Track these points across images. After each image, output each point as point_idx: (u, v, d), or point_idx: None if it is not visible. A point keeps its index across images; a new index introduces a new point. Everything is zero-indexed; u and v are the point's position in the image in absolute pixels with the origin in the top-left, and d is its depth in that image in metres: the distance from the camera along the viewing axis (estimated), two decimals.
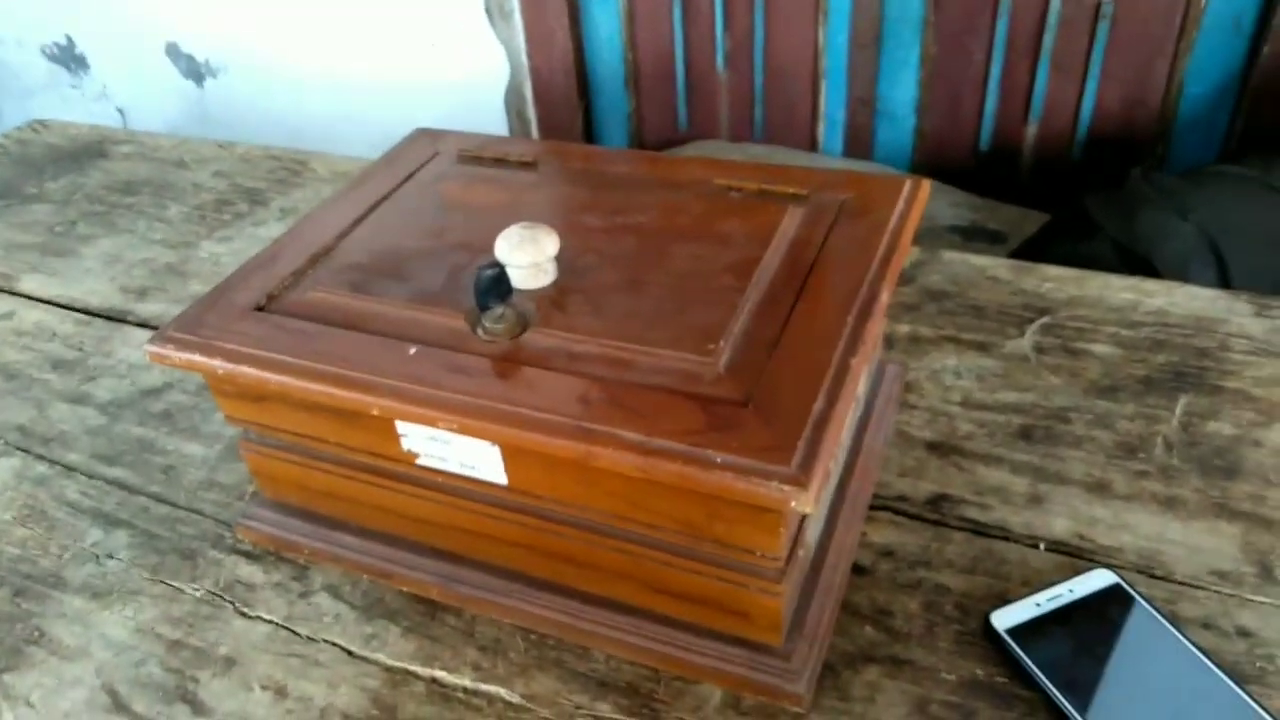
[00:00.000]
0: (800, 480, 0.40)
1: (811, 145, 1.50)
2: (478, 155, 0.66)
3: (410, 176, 0.65)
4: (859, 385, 0.47)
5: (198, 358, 0.51)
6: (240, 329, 0.52)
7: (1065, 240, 0.95)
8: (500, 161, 0.66)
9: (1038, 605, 0.53)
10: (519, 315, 0.51)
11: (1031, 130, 1.37)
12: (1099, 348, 0.71)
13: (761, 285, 0.51)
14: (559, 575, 0.54)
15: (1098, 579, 0.54)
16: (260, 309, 0.54)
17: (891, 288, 0.51)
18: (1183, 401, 0.66)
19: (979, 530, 0.59)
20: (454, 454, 0.50)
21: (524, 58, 1.57)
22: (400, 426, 0.50)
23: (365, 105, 1.75)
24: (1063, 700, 0.48)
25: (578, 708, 0.51)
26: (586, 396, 0.45)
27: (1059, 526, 0.58)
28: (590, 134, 1.64)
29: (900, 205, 0.57)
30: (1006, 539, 0.58)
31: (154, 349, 0.52)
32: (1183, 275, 0.92)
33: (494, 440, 0.47)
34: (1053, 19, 1.27)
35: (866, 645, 0.53)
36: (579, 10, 1.52)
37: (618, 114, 1.62)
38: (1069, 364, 0.70)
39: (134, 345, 0.80)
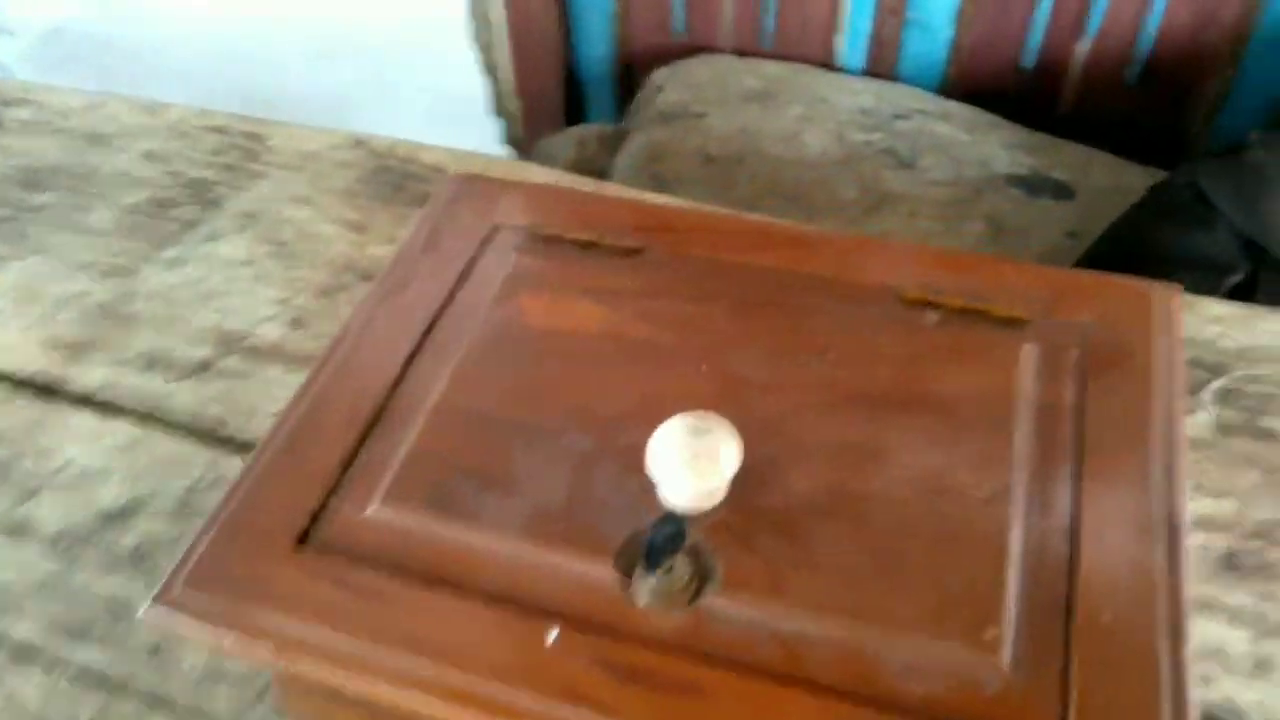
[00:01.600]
0: None
1: (827, 59, 1.31)
2: (558, 235, 0.49)
3: (467, 272, 0.48)
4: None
5: (231, 641, 0.35)
6: (285, 587, 0.36)
7: (1171, 225, 0.81)
8: (591, 246, 0.48)
9: None
10: (695, 562, 0.36)
11: (1083, 47, 1.21)
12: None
13: (1022, 501, 0.37)
14: None
15: None
16: (304, 539, 0.38)
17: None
18: None
19: (1208, 716, 0.48)
20: None
21: None
22: None
23: (302, 6, 1.47)
24: None
25: None
26: None
27: None
28: (567, 38, 1.41)
29: (1164, 340, 0.42)
30: None
31: (158, 618, 0.36)
32: None
33: None
34: None
35: None
36: None
37: (600, 14, 1.39)
38: (1264, 452, 0.58)
39: (79, 436, 0.62)
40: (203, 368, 0.66)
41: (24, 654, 0.52)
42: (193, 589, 0.36)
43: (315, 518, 0.38)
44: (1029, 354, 0.42)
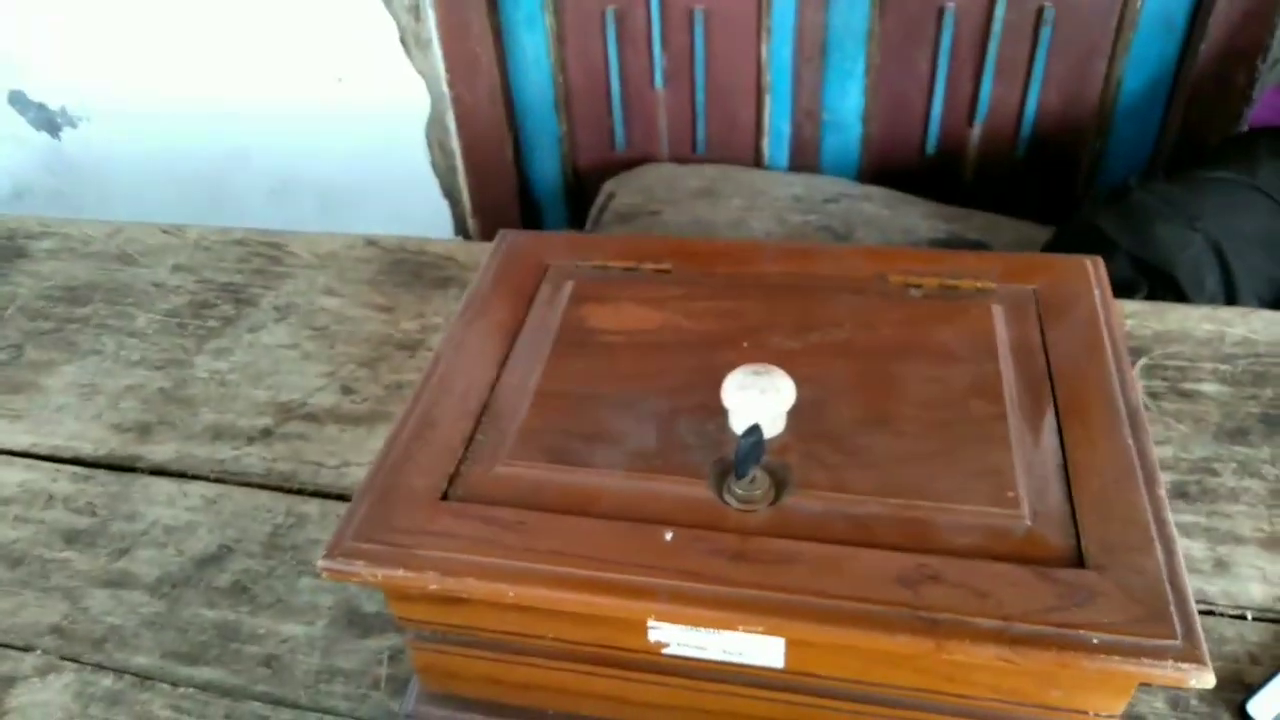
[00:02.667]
0: (1194, 655, 0.37)
1: (756, 159, 1.47)
2: (603, 265, 0.59)
3: (533, 297, 0.57)
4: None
5: (401, 573, 0.42)
6: (439, 529, 0.44)
7: None
8: (633, 270, 0.59)
9: None
10: (772, 476, 0.45)
11: (976, 132, 1.39)
12: (1208, 387, 0.71)
13: (1015, 408, 0.47)
14: None
15: None
16: (446, 497, 0.46)
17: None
18: None
19: None
20: (719, 643, 0.44)
21: (445, 87, 1.45)
22: (651, 622, 0.44)
23: (263, 142, 1.59)
24: None
25: None
26: (906, 576, 0.40)
27: (1256, 592, 0.58)
28: (519, 161, 1.55)
29: (1098, 292, 0.54)
30: (1213, 613, 0.57)
31: (336, 565, 0.43)
32: (1199, 286, 0.95)
33: (798, 638, 0.41)
34: (997, 26, 1.29)
35: None
36: (503, 33, 1.43)
37: (549, 137, 1.53)
38: (1189, 409, 0.70)
39: (161, 500, 0.68)
40: (266, 434, 0.73)
41: (146, 679, 0.57)
42: (359, 541, 0.44)
43: (451, 480, 0.46)
44: (998, 311, 0.53)
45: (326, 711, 0.55)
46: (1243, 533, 0.61)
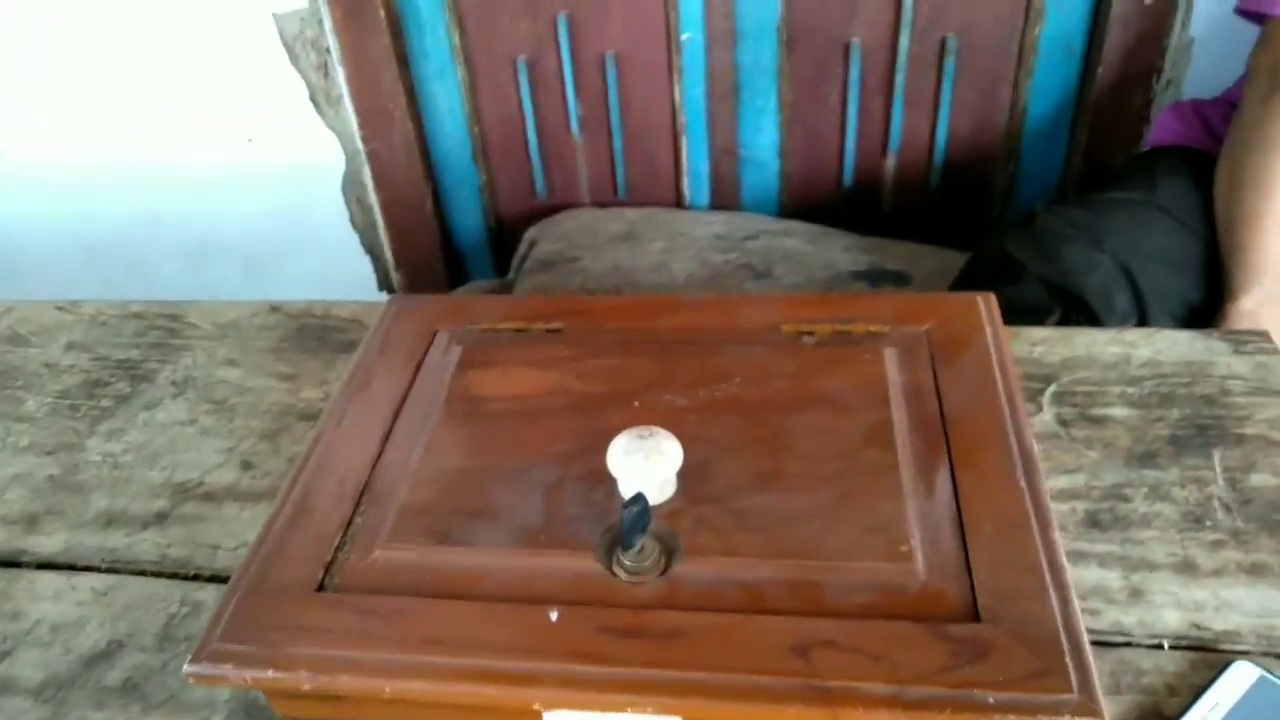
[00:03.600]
0: (1090, 709, 0.36)
1: (678, 199, 1.47)
2: (491, 328, 0.58)
3: (419, 366, 0.55)
4: None
5: (271, 674, 0.40)
6: (312, 623, 0.42)
7: (990, 283, 0.96)
8: (522, 332, 0.57)
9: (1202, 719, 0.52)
10: (661, 544, 0.43)
11: (890, 164, 1.40)
12: (1116, 411, 0.72)
13: (908, 455, 0.47)
14: None
15: (1241, 675, 0.54)
16: (321, 588, 0.43)
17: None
18: (1217, 457, 0.67)
19: (1102, 641, 0.57)
20: None
21: (359, 143, 1.44)
22: (550, 716, 0.42)
23: (176, 207, 1.55)
24: None
25: None
26: (798, 643, 0.39)
27: (1171, 619, 0.57)
28: (440, 212, 1.53)
29: (989, 330, 0.54)
30: (1130, 644, 0.57)
31: (203, 670, 0.41)
32: (1110, 307, 0.96)
33: (696, 716, 0.40)
34: (902, 58, 1.31)
35: None
36: (414, 86, 1.42)
37: (468, 188, 1.52)
38: (1098, 434, 0.70)
39: (47, 596, 0.64)
40: (161, 517, 0.69)
41: None
42: (228, 641, 0.41)
43: (327, 569, 0.44)
44: (890, 354, 0.53)
45: None
46: (1156, 559, 0.61)
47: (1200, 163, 1.02)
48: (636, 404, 0.51)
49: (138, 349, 0.86)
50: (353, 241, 1.56)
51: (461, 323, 0.58)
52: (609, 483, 0.46)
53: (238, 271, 1.60)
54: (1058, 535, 0.42)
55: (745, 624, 0.40)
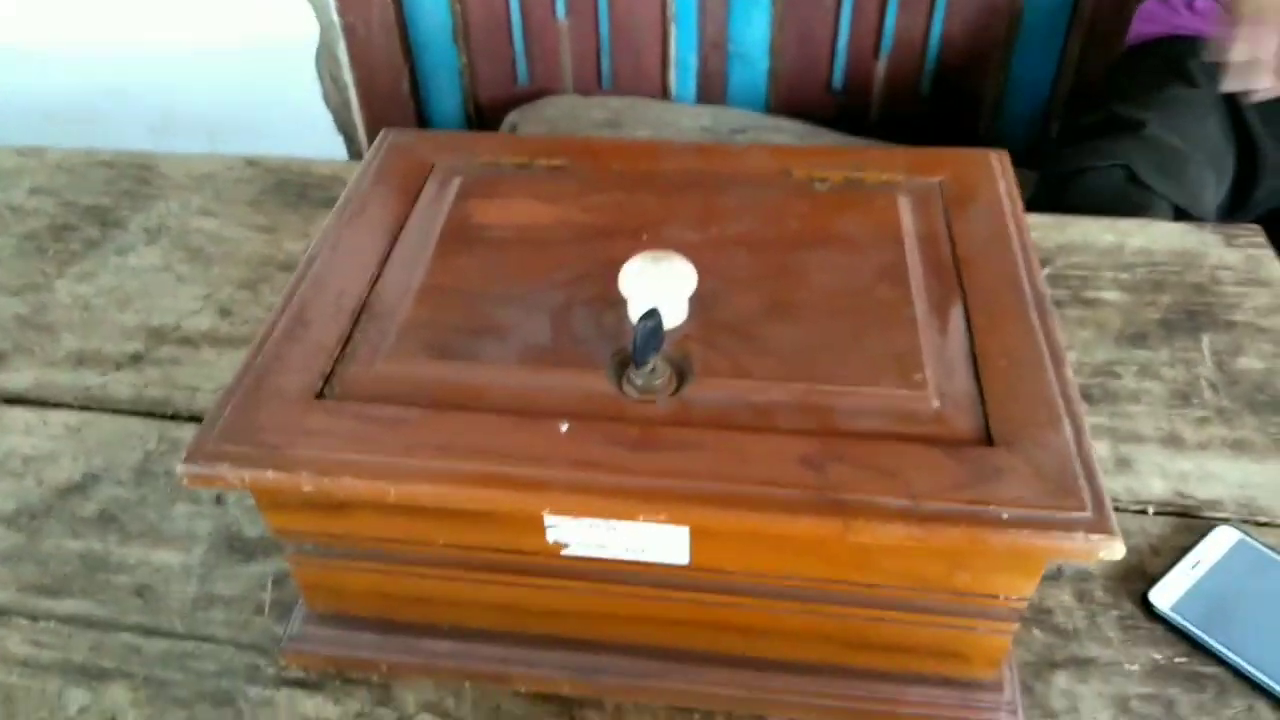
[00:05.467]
0: (1104, 527, 0.36)
1: (663, 93, 1.44)
2: (493, 162, 0.55)
3: (417, 194, 0.53)
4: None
5: (271, 475, 0.39)
6: (313, 427, 0.40)
7: (1104, 205, 0.90)
8: (524, 167, 0.55)
9: (1184, 576, 0.53)
10: (673, 366, 0.42)
11: (882, 66, 1.38)
12: (1108, 294, 0.72)
13: (922, 294, 0.46)
14: (730, 647, 0.47)
15: (1223, 538, 0.55)
16: (321, 395, 0.42)
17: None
18: (1206, 341, 0.68)
19: None
20: (620, 540, 0.41)
21: (334, 15, 1.38)
22: (548, 519, 0.41)
23: (141, 78, 1.48)
24: (1253, 670, 0.48)
25: None
26: (810, 458, 0.38)
27: (1157, 487, 0.58)
28: (417, 95, 1.48)
29: (1003, 184, 0.53)
30: (1117, 509, 0.57)
31: (198, 470, 0.39)
32: (1209, 217, 0.92)
33: (702, 526, 0.39)
34: None
35: (1043, 650, 0.50)
36: None
37: (447, 71, 1.47)
38: (1091, 315, 0.70)
39: (18, 429, 0.62)
40: (135, 359, 0.67)
41: (2, 614, 0.52)
42: (224, 442, 0.40)
43: (327, 379, 0.43)
44: (904, 202, 0.52)
45: (205, 639, 0.51)
46: (1144, 432, 0.62)
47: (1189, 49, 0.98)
48: (644, 237, 0.49)
49: (108, 196, 0.83)
50: (325, 120, 1.51)
51: (460, 156, 0.56)
52: (618, 308, 0.44)
53: (203, 145, 1.55)
54: (1071, 372, 0.42)
55: (757, 440, 0.39)
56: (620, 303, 0.44)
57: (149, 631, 0.51)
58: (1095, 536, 0.36)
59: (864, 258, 0.48)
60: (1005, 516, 0.36)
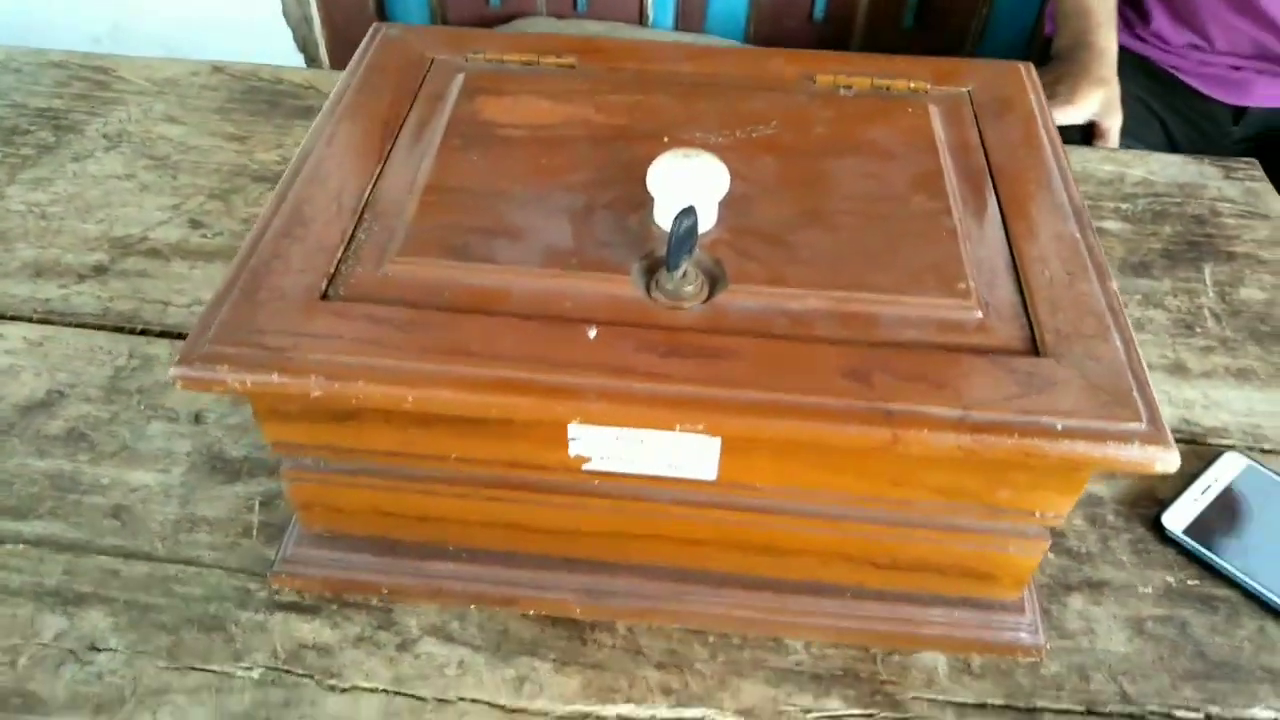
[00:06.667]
0: (1160, 438, 0.35)
1: (640, 19, 1.39)
2: (497, 58, 0.52)
3: (416, 91, 0.50)
4: None
5: (276, 378, 0.36)
6: (319, 330, 0.37)
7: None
8: (530, 65, 0.52)
9: (1195, 501, 0.52)
10: (703, 271, 0.40)
11: None
12: (1110, 224, 0.71)
13: (959, 203, 0.44)
14: (749, 568, 0.45)
15: (1231, 464, 0.54)
16: (326, 296, 0.39)
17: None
18: (1208, 271, 0.67)
19: None
20: (647, 453, 0.39)
21: None
22: (573, 430, 0.39)
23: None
24: (1264, 591, 0.48)
25: (805, 711, 0.44)
26: (855, 368, 0.36)
27: (1164, 414, 0.57)
28: (382, 14, 1.41)
29: (1033, 95, 0.51)
30: None
31: (195, 373, 0.36)
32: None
33: (743, 436, 0.37)
34: None
35: (1058, 573, 0.50)
36: None
37: None
38: None
39: None
40: (99, 270, 0.63)
41: None
42: (221, 344, 0.37)
43: (330, 280, 0.40)
44: (935, 110, 0.49)
45: (188, 563, 0.48)
46: (1150, 360, 0.61)
47: None
48: (666, 139, 0.46)
49: (60, 99, 0.77)
50: (285, 39, 1.44)
51: (461, 52, 0.52)
52: (643, 210, 0.42)
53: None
54: (1115, 284, 0.40)
55: (797, 349, 0.37)
56: (644, 205, 0.42)
57: (128, 555, 0.48)
58: (1151, 448, 0.35)
59: (897, 165, 0.45)
60: (1060, 428, 0.35)
